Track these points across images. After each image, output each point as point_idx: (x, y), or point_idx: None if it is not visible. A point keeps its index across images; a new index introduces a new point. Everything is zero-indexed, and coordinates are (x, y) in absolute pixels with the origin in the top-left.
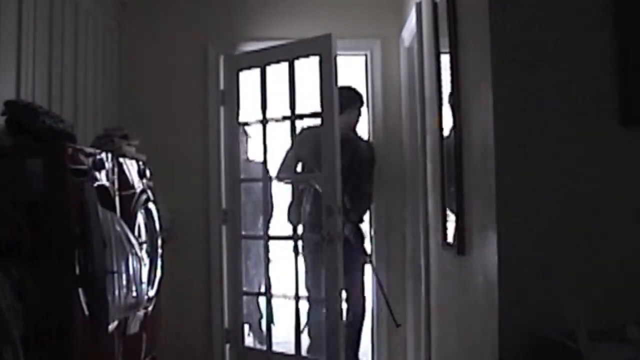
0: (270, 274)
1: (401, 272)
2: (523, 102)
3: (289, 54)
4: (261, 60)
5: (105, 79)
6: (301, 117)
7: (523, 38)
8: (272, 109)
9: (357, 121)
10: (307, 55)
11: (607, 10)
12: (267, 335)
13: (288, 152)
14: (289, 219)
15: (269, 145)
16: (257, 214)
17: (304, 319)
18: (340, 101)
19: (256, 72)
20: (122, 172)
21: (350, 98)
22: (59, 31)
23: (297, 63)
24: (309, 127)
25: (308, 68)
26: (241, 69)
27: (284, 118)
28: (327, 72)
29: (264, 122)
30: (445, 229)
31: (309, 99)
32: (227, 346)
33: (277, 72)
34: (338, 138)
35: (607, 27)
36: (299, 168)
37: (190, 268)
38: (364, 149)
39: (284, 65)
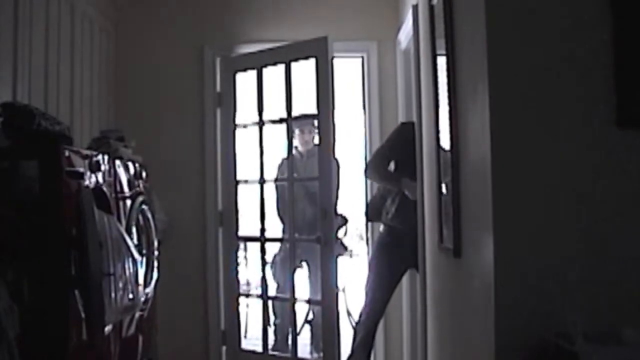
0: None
1: None
2: (520, 104)
3: (286, 56)
4: (258, 62)
5: (102, 81)
6: (297, 119)
7: (520, 40)
8: (268, 110)
9: None
10: (303, 58)
11: (604, 12)
12: (263, 337)
13: (382, 146)
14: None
15: (265, 147)
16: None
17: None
18: None
19: (252, 74)
20: (118, 174)
21: None
22: (55, 33)
23: (293, 65)
24: (405, 123)
25: (305, 70)
26: (238, 71)
27: (281, 120)
28: (324, 75)
29: (261, 124)
30: (441, 230)
31: (306, 101)
32: (224, 348)
33: (274, 74)
34: (332, 141)
35: (604, 29)
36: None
37: (186, 270)
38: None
39: (281, 67)
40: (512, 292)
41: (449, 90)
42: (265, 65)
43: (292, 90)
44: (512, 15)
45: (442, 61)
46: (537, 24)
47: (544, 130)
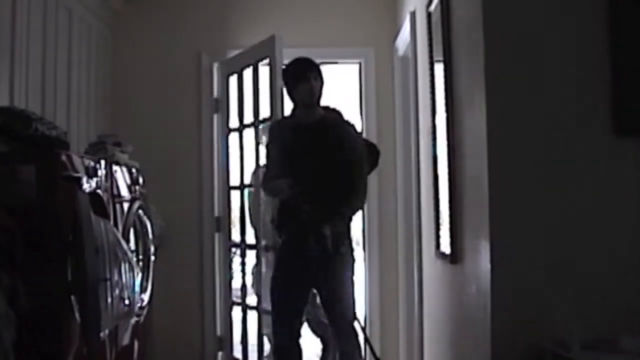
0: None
1: (394, 278)
2: (516, 111)
3: (252, 58)
4: (239, 65)
5: (99, 86)
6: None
7: (517, 47)
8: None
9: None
10: (262, 59)
11: (601, 21)
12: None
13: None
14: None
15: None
16: None
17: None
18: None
19: (248, 72)
20: (114, 179)
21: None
22: (52, 38)
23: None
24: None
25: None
26: (230, 74)
27: (251, 124)
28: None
29: (241, 128)
30: (438, 237)
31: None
32: (220, 354)
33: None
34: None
35: (601, 38)
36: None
37: (183, 275)
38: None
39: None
40: (509, 299)
41: (446, 97)
42: (248, 67)
43: (259, 92)
44: (510, 23)
45: (439, 68)
46: (534, 32)
47: (541, 138)
